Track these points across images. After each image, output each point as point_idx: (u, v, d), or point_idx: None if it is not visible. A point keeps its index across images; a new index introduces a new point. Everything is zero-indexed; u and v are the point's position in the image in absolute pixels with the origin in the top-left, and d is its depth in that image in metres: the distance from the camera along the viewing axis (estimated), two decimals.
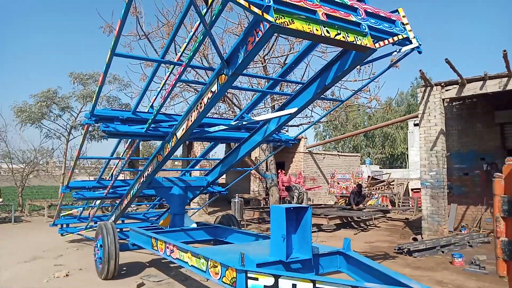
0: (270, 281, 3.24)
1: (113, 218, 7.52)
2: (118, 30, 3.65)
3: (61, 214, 9.91)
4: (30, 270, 6.63)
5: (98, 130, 15.87)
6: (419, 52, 4.53)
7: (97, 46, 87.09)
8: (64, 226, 9.18)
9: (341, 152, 41.89)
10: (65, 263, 7.06)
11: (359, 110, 14.32)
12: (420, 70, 9.15)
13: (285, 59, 10.76)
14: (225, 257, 3.84)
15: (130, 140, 6.53)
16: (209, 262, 3.97)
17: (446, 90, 9.83)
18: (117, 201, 7.70)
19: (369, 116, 45.92)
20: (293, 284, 3.11)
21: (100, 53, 77.07)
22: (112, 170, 8.52)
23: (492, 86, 9.11)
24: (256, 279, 3.32)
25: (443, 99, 9.96)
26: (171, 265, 6.87)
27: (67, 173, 14.98)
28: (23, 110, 15.96)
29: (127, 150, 6.82)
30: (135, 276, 6.15)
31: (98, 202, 9.08)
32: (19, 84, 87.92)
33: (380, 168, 37.25)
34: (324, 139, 48.18)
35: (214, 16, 3.59)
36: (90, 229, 8.84)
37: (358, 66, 9.98)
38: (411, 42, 4.30)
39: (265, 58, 10.50)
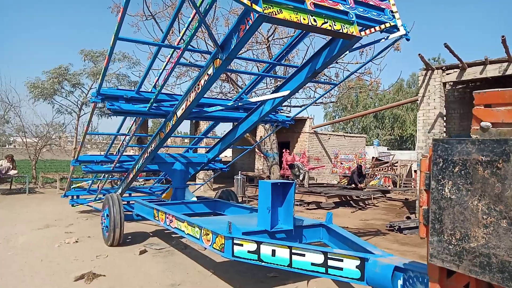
0: (253, 247, 3.63)
1: (120, 190, 7.98)
2: (121, 17, 3.95)
3: (72, 186, 10.46)
4: (43, 236, 7.16)
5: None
6: (407, 40, 4.74)
7: (109, 23, 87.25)
8: (75, 197, 9.70)
9: (349, 132, 42.00)
10: (75, 231, 7.58)
11: (361, 92, 14.48)
12: (419, 54, 9.27)
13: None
14: (216, 226, 4.24)
15: (135, 117, 6.90)
16: (202, 231, 4.38)
17: (447, 74, 9.95)
18: (125, 175, 8.16)
19: (379, 98, 45.69)
20: (272, 250, 3.49)
21: (111, 31, 77.16)
22: (119, 146, 8.97)
23: (492, 71, 9.21)
24: (241, 245, 3.72)
25: (444, 83, 10.10)
26: (173, 235, 7.34)
27: (78, 148, 15.54)
28: (36, 86, 16.41)
29: (132, 127, 7.21)
30: (138, 244, 6.63)
31: (106, 175, 9.56)
32: (32, 60, 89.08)
33: (388, 149, 37.38)
34: (333, 119, 48.25)
35: (208, 5, 3.87)
36: (99, 201, 9.38)
37: (361, 49, 10.12)
38: (399, 30, 4.49)
39: (269, 39, 10.69)
